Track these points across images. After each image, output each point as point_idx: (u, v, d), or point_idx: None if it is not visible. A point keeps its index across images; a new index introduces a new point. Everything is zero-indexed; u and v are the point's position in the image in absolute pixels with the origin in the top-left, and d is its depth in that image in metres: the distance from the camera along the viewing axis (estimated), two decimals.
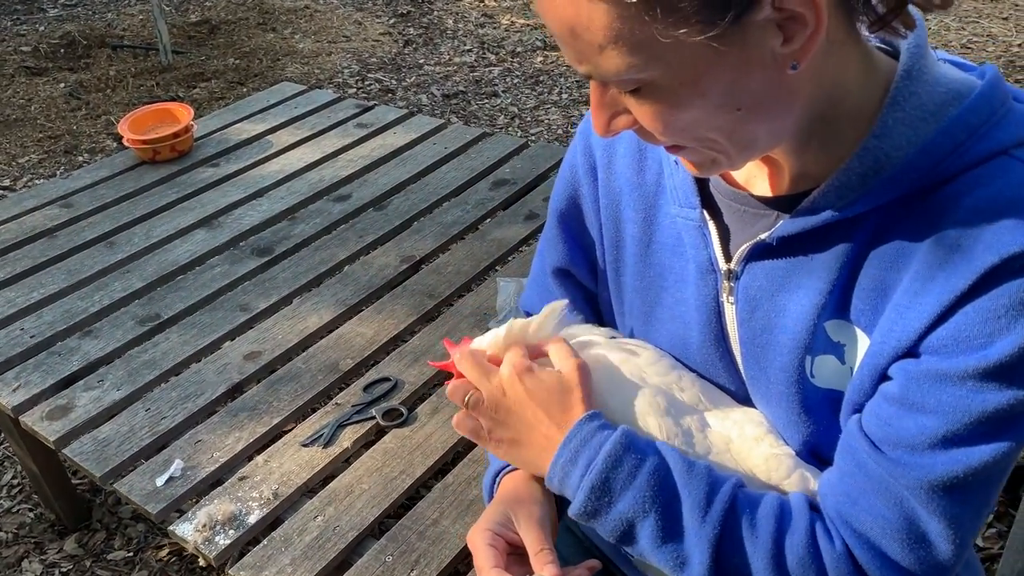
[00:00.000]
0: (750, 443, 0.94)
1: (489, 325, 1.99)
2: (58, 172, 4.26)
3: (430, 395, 1.83)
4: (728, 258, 0.90)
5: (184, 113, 2.88)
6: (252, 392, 1.86)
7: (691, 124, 0.76)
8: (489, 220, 2.46)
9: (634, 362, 0.98)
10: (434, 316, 2.10)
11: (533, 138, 4.38)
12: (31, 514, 2.54)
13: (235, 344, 2.01)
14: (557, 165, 2.71)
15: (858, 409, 0.84)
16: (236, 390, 1.88)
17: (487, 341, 1.01)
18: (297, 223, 2.46)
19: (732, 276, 0.90)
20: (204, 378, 1.90)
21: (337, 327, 2.06)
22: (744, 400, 0.98)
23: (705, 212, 0.92)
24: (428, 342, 1.97)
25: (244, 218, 2.49)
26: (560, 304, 0.99)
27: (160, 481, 1.64)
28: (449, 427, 1.74)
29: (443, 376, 1.91)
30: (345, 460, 1.71)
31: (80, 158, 4.36)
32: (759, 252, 0.87)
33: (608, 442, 0.88)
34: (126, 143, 2.82)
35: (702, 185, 0.94)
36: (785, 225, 0.84)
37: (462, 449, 1.73)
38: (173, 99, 4.80)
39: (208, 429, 1.77)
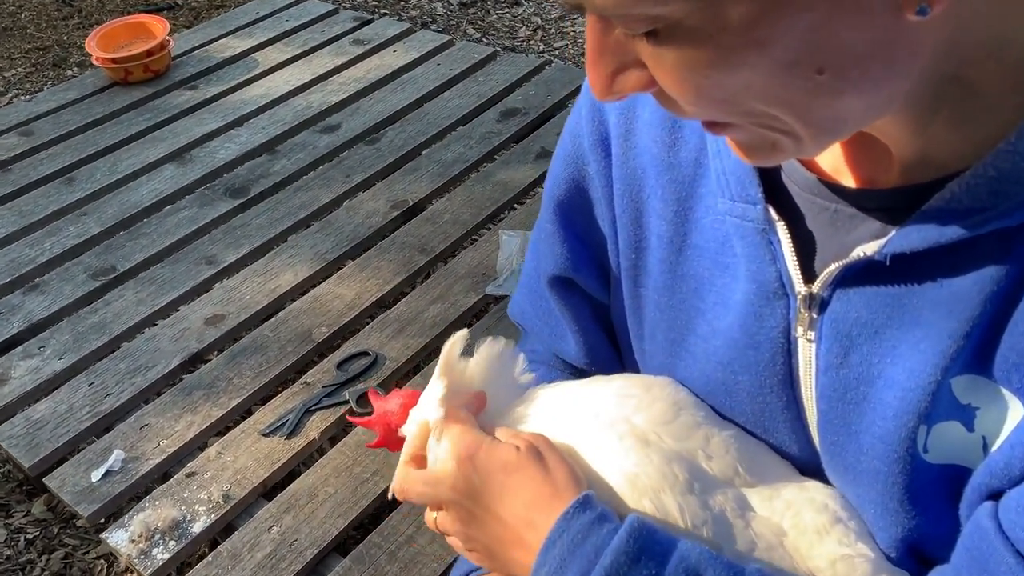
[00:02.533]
0: (811, 537, 0.66)
1: (487, 289, 1.71)
2: (46, 87, 3.97)
3: (414, 375, 1.56)
4: (809, 278, 0.63)
5: (159, 27, 2.55)
6: (211, 365, 1.61)
7: (739, 92, 0.47)
8: (496, 158, 2.15)
9: (636, 422, 0.70)
10: (425, 275, 1.81)
11: (555, 53, 4.00)
12: None
13: (196, 305, 1.75)
14: (576, 92, 2.37)
15: (992, 496, 0.58)
16: (192, 362, 1.63)
17: (426, 404, 0.73)
18: (278, 158, 2.17)
19: (814, 303, 0.63)
20: (158, 346, 1.65)
21: (313, 287, 1.78)
22: (809, 471, 0.70)
23: (772, 210, 0.63)
24: (416, 308, 1.69)
25: (219, 151, 2.20)
26: (496, 347, 0.74)
27: (96, 475, 1.41)
28: None
29: (432, 353, 1.64)
30: (310, 455, 1.47)
31: (69, 72, 4.06)
32: (858, 273, 0.60)
33: (613, 543, 0.62)
34: (95, 62, 2.52)
35: (768, 169, 0.64)
36: (905, 236, 0.56)
37: None
38: (160, 9, 4.44)
39: (157, 411, 1.52)
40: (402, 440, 0.79)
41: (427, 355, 1.64)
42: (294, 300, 1.75)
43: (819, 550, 0.65)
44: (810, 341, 0.64)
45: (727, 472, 0.69)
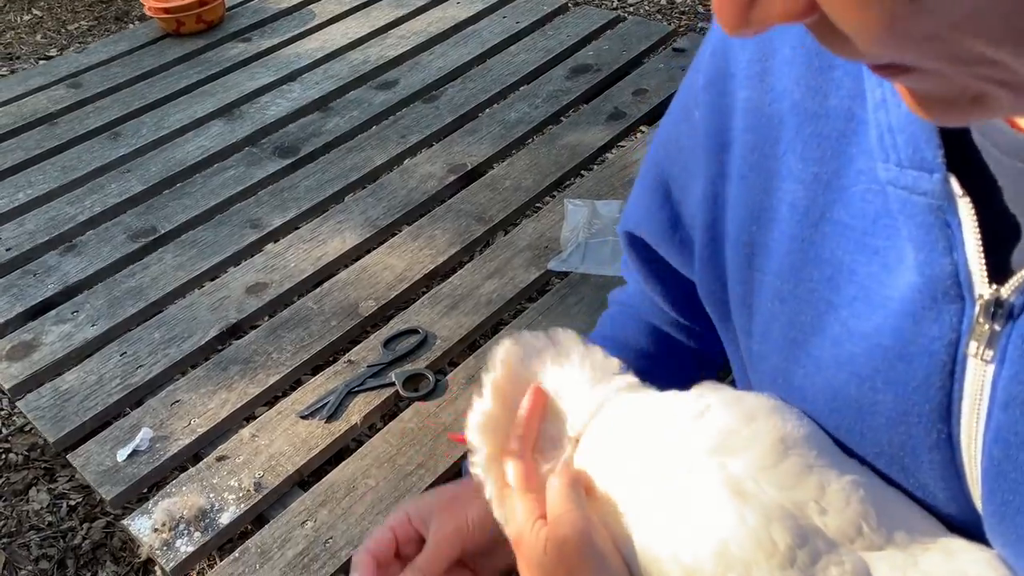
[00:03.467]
0: None
1: (550, 265, 1.55)
2: None
3: (467, 358, 1.42)
4: (997, 276, 0.47)
5: None
6: (250, 338, 1.49)
7: (958, 24, 0.30)
8: (563, 119, 1.98)
9: (730, 467, 0.54)
10: (482, 247, 1.66)
11: (629, 10, 3.78)
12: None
13: (237, 272, 1.63)
14: (655, 47, 2.18)
15: None
16: (231, 333, 1.51)
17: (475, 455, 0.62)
18: (331, 116, 2.03)
19: (1000, 312, 0.47)
20: (195, 315, 1.54)
21: (361, 256, 1.65)
22: (961, 530, 0.54)
23: (954, 181, 0.46)
24: (471, 283, 1.54)
25: (270, 108, 2.07)
26: (511, 353, 0.66)
27: (122, 455, 1.30)
28: None
29: (485, 335, 1.50)
30: (351, 441, 1.34)
31: (131, 25, 4.00)
32: None
33: None
34: (148, 11, 2.41)
35: (950, 128, 0.47)
36: None
37: None
38: None
39: (190, 386, 1.41)
40: None
41: (481, 334, 1.49)
42: (341, 270, 1.61)
43: None
44: (986, 361, 0.47)
45: (847, 530, 0.53)
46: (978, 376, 0.48)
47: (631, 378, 0.64)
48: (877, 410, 0.54)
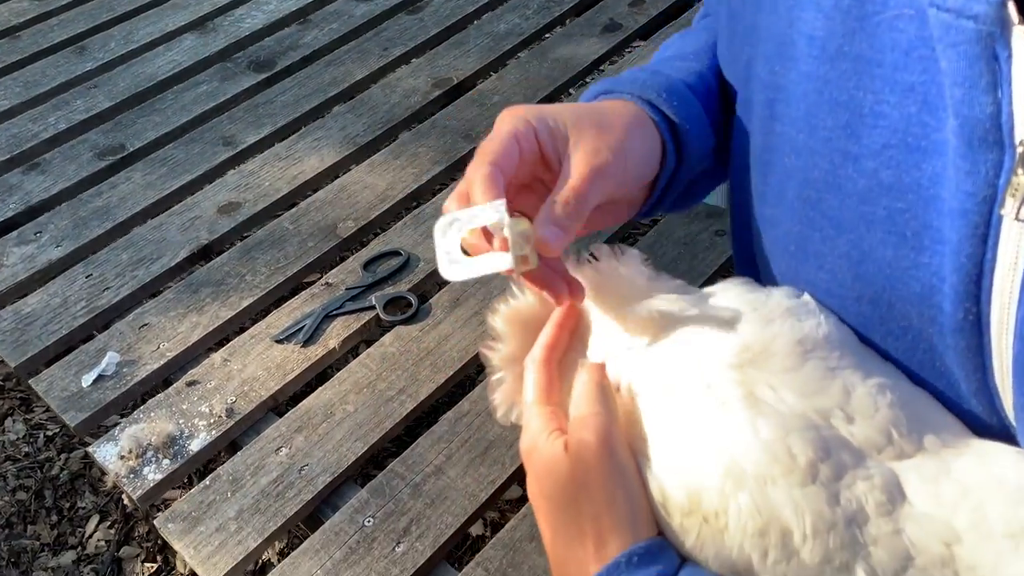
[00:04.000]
0: (999, 546, 0.43)
1: None
2: None
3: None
4: None
5: None
6: (221, 260, 1.41)
7: None
8: (555, 31, 1.87)
9: (748, 372, 0.47)
10: (467, 165, 1.57)
11: None
12: None
13: (209, 191, 1.54)
14: None
15: None
16: (202, 255, 1.44)
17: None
18: (309, 28, 1.92)
19: None
20: (164, 236, 1.46)
21: (340, 174, 1.56)
22: (984, 434, 0.47)
23: (1012, 5, 0.39)
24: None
25: (245, 20, 1.96)
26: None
27: (87, 380, 1.24)
28: (473, 329, 1.26)
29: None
30: (328, 367, 1.27)
31: None
32: None
33: None
34: None
35: None
36: None
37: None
38: None
39: (159, 309, 1.33)
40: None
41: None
42: (319, 189, 1.53)
43: (1013, 569, 0.42)
44: (1019, 220, 0.41)
45: (876, 438, 0.46)
46: (1013, 241, 0.41)
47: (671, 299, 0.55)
48: (909, 280, 0.47)
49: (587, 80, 1.77)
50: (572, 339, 0.56)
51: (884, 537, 0.43)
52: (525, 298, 0.57)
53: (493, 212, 0.47)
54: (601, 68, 1.78)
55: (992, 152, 0.40)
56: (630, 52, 1.78)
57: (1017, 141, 0.39)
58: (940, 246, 0.45)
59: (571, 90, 1.74)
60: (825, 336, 0.48)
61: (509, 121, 0.54)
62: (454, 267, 0.49)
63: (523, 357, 0.57)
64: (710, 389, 0.47)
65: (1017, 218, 0.40)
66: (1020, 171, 0.39)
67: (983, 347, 0.44)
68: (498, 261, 0.48)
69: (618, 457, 0.49)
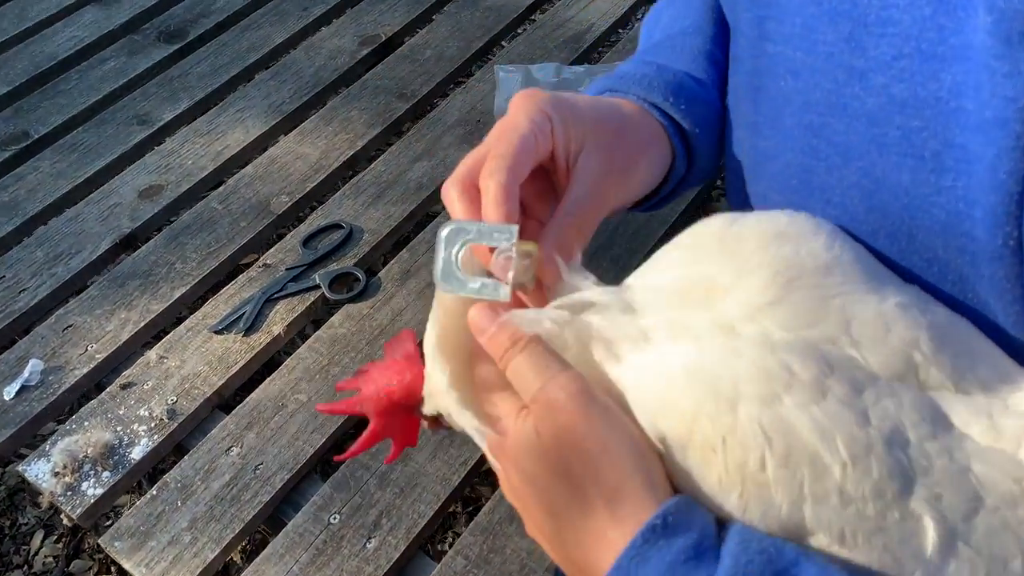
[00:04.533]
0: None
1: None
2: None
3: (400, 251, 1.26)
4: None
5: None
6: (147, 249, 1.30)
7: None
8: None
9: (722, 309, 0.41)
10: (407, 126, 1.48)
11: None
12: None
13: (127, 175, 1.42)
14: None
15: None
16: (126, 245, 1.32)
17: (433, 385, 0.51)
18: None
19: None
20: (82, 228, 1.34)
21: (269, 146, 1.45)
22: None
23: None
24: (397, 168, 1.37)
25: None
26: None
27: (9, 392, 1.13)
28: (428, 301, 1.18)
29: (419, 223, 1.34)
30: (275, 355, 1.18)
31: None
32: None
33: None
34: None
35: None
36: None
37: None
38: None
39: (83, 307, 1.22)
40: (417, 426, 0.57)
41: (413, 225, 1.33)
42: (246, 163, 1.42)
43: None
44: None
45: (892, 364, 0.39)
46: None
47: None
48: (931, 207, 0.41)
49: (523, 27, 1.68)
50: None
51: (942, 471, 0.36)
52: (439, 321, 0.48)
53: (503, 238, 0.45)
54: (533, 18, 1.69)
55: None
56: None
57: None
58: (966, 165, 0.39)
59: (504, 42, 1.65)
60: (824, 263, 0.41)
61: (527, 110, 0.48)
62: (450, 281, 0.45)
63: (465, 376, 0.49)
64: (684, 331, 0.40)
65: None
66: None
67: (1022, 276, 0.39)
68: (495, 292, 0.45)
69: (599, 403, 0.41)
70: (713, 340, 0.39)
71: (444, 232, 0.45)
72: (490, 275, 0.45)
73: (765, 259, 0.42)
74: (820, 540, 0.35)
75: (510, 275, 0.44)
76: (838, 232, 0.44)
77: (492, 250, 0.45)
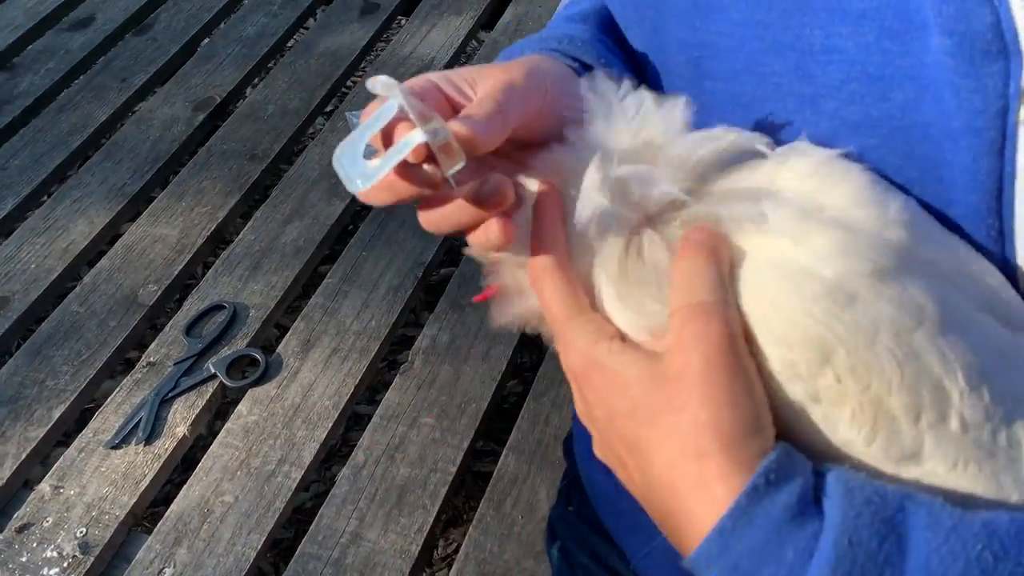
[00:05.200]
0: None
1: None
2: None
3: (294, 321, 1.20)
4: None
5: None
6: (8, 371, 1.17)
7: None
8: (311, 22, 1.73)
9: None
10: (268, 187, 1.42)
11: None
12: None
13: None
14: None
15: None
16: None
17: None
18: (20, 74, 1.63)
19: None
20: None
21: (120, 232, 1.35)
22: None
23: None
24: (268, 234, 1.31)
25: None
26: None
27: None
28: (337, 368, 1.14)
29: (307, 287, 1.28)
30: (185, 459, 1.10)
31: None
32: None
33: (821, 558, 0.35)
34: None
35: None
36: None
37: (371, 401, 1.15)
38: None
39: None
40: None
41: (300, 291, 1.28)
42: (99, 257, 1.31)
43: None
44: None
45: (986, 297, 0.42)
46: None
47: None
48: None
49: (363, 68, 1.65)
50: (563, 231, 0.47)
51: None
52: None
53: (389, 108, 0.39)
54: (371, 58, 1.66)
55: (997, 63, 0.39)
56: (396, 32, 1.67)
57: (1023, 46, 0.38)
58: (932, 173, 0.43)
59: (349, 82, 1.62)
60: (910, 210, 0.43)
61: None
62: (362, 177, 0.39)
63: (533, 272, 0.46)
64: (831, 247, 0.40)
65: None
66: None
67: (1008, 260, 0.43)
68: (410, 138, 0.39)
69: (743, 358, 0.40)
70: (856, 277, 0.39)
71: (336, 151, 0.41)
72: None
73: (895, 208, 0.42)
74: (935, 466, 0.37)
75: (388, 162, 0.39)
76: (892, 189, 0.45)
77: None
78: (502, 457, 1.05)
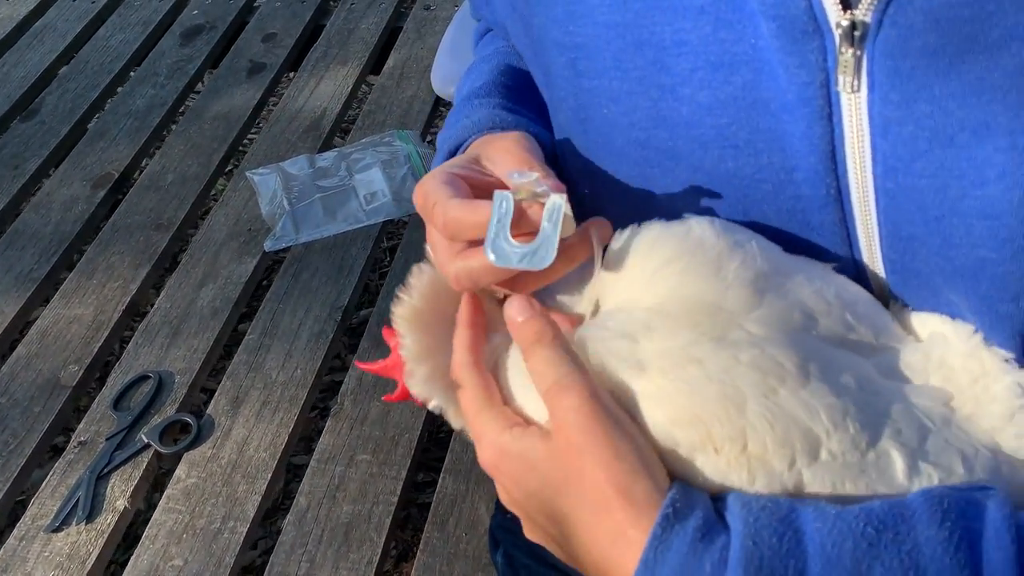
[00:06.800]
0: (974, 393, 0.48)
1: (266, 246, 1.37)
2: None
3: (220, 381, 1.23)
4: (845, 2, 0.44)
5: None
6: None
7: None
8: (201, 88, 1.75)
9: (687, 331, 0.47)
10: (177, 254, 1.44)
11: None
12: None
13: None
14: None
15: None
16: None
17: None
18: None
19: (857, 37, 0.45)
20: None
21: (33, 319, 1.35)
22: None
23: None
24: (183, 299, 1.33)
25: None
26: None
27: None
28: (269, 420, 1.17)
29: (228, 347, 1.31)
30: (129, 532, 1.11)
31: None
32: None
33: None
34: None
35: None
36: None
37: (307, 449, 1.18)
38: None
39: None
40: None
41: (222, 352, 1.30)
42: (15, 345, 1.31)
43: (991, 407, 0.47)
44: (856, 92, 0.45)
45: (838, 330, 0.48)
46: (854, 110, 0.46)
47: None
48: (759, 183, 0.50)
49: (257, 128, 1.68)
50: (483, 335, 0.53)
51: (896, 412, 0.45)
52: (416, 296, 0.53)
53: (506, 200, 0.47)
54: (264, 115, 1.70)
55: (814, 40, 0.45)
56: (286, 87, 1.71)
57: (833, 24, 0.44)
58: (777, 143, 0.49)
59: (244, 141, 1.65)
60: (764, 260, 0.49)
61: (427, 183, 0.52)
62: (500, 252, 0.46)
63: (434, 348, 0.52)
64: (681, 350, 0.46)
65: (851, 90, 0.45)
66: (844, 49, 0.44)
67: (846, 221, 0.50)
68: (539, 260, 0.46)
69: (612, 412, 0.45)
70: (716, 356, 0.45)
71: (496, 198, 0.47)
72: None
73: (733, 271, 0.48)
74: (816, 492, 0.43)
75: (557, 231, 0.46)
76: (742, 229, 0.51)
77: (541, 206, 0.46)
78: (440, 480, 1.09)
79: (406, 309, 0.53)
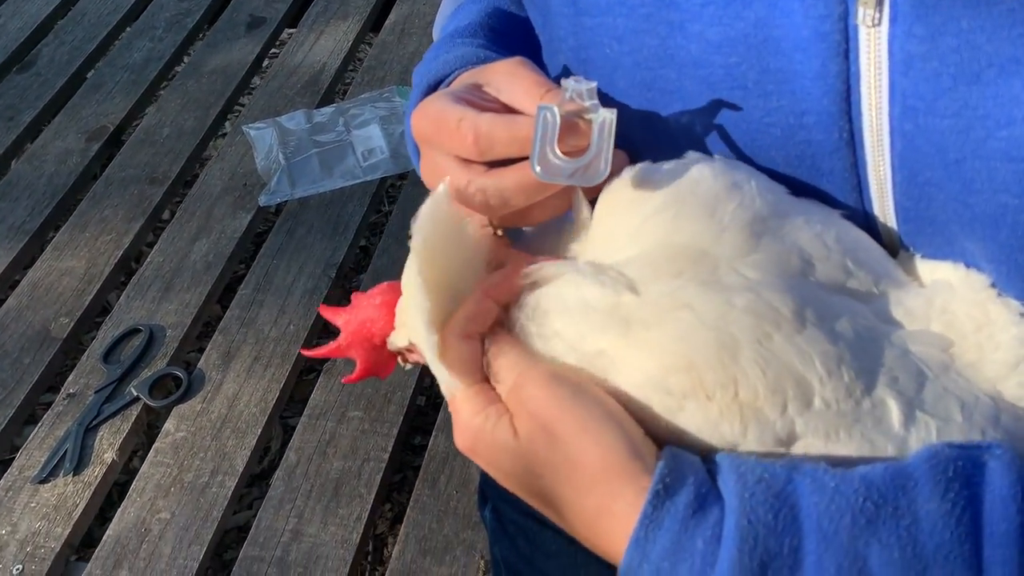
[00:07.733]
0: (978, 340, 0.45)
1: (261, 201, 1.35)
2: None
3: (212, 336, 1.21)
4: None
5: None
6: None
7: None
8: (199, 42, 1.72)
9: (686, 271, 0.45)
10: (171, 208, 1.41)
11: None
12: None
13: None
14: None
15: None
16: None
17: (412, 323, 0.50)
18: None
19: None
20: None
21: (25, 271, 1.33)
22: None
23: None
24: (176, 253, 1.31)
25: None
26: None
27: None
28: (260, 376, 1.15)
29: (221, 302, 1.29)
30: (117, 484, 1.10)
31: None
32: None
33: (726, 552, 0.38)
34: None
35: None
36: None
37: (294, 405, 1.17)
38: None
39: None
40: (394, 359, 0.56)
41: (215, 305, 1.28)
42: (5, 297, 1.30)
43: (995, 355, 0.45)
44: (874, 25, 0.43)
45: (837, 276, 0.46)
46: (873, 45, 0.43)
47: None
48: (768, 127, 0.48)
49: (254, 83, 1.65)
50: (503, 313, 0.49)
51: (892, 359, 0.43)
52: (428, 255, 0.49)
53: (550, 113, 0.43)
54: (262, 71, 1.67)
55: None
56: (284, 44, 1.68)
57: None
58: (787, 85, 0.46)
59: (242, 98, 1.62)
60: (762, 203, 0.46)
61: (434, 104, 0.50)
62: (548, 167, 0.43)
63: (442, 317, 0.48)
64: (667, 296, 0.44)
65: (872, 24, 0.42)
66: None
67: (858, 167, 0.47)
68: (590, 177, 0.43)
69: (568, 386, 0.43)
70: (707, 299, 0.43)
71: (539, 111, 0.44)
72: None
73: (730, 213, 0.46)
74: (809, 441, 0.41)
75: (610, 146, 0.43)
76: (745, 167, 0.49)
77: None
78: (432, 438, 1.07)
79: (425, 269, 0.49)
